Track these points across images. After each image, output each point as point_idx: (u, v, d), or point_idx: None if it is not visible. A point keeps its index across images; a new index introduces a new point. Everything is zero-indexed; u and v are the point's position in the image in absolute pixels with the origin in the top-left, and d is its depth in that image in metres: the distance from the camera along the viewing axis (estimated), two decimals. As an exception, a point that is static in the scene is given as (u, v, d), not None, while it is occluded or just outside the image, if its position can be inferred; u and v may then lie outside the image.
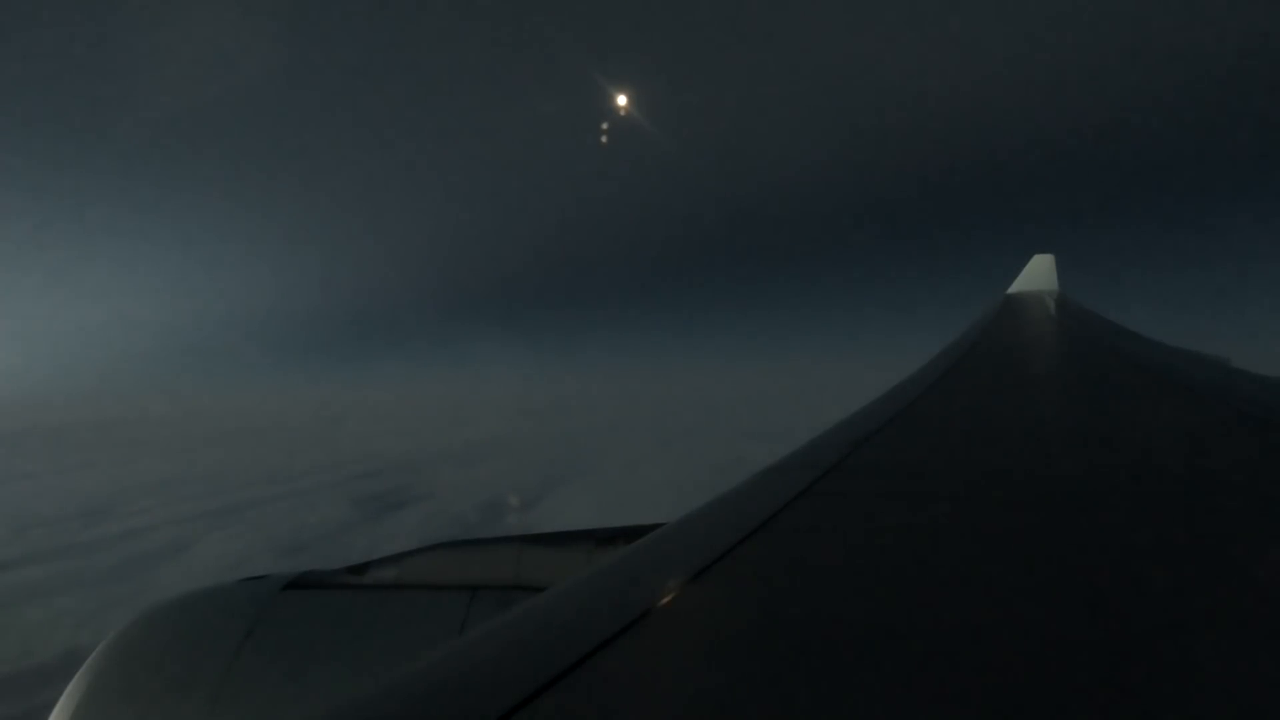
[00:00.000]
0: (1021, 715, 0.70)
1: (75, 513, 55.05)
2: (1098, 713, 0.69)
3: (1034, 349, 6.37)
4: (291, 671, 2.22)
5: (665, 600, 1.06)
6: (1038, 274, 13.59)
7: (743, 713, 0.72)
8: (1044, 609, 0.97)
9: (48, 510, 56.28)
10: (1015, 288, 13.38)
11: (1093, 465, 1.99)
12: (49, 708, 2.19)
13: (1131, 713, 0.70)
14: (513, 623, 1.12)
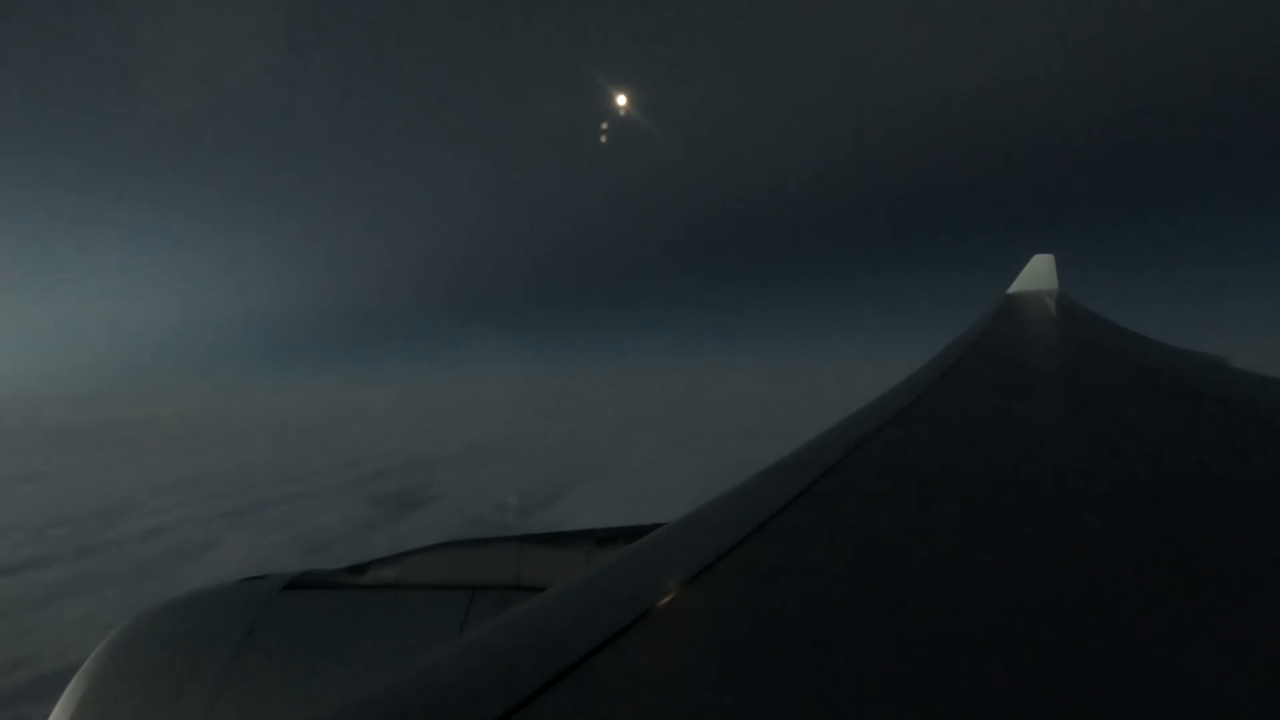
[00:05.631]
0: (1022, 715, 0.69)
1: (93, 512, 54.78)
2: (1098, 713, 0.69)
3: (1034, 349, 6.37)
4: (291, 671, 2.22)
5: (665, 600, 1.05)
6: (1038, 274, 13.58)
7: (743, 713, 0.72)
8: (1044, 609, 0.97)
9: (65, 510, 55.91)
10: (1015, 288, 13.37)
11: (1093, 465, 1.98)
12: None
13: (1132, 713, 0.69)
14: (513, 623, 1.12)
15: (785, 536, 1.38)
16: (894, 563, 1.21)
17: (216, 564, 38.37)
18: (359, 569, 2.55)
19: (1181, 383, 3.75)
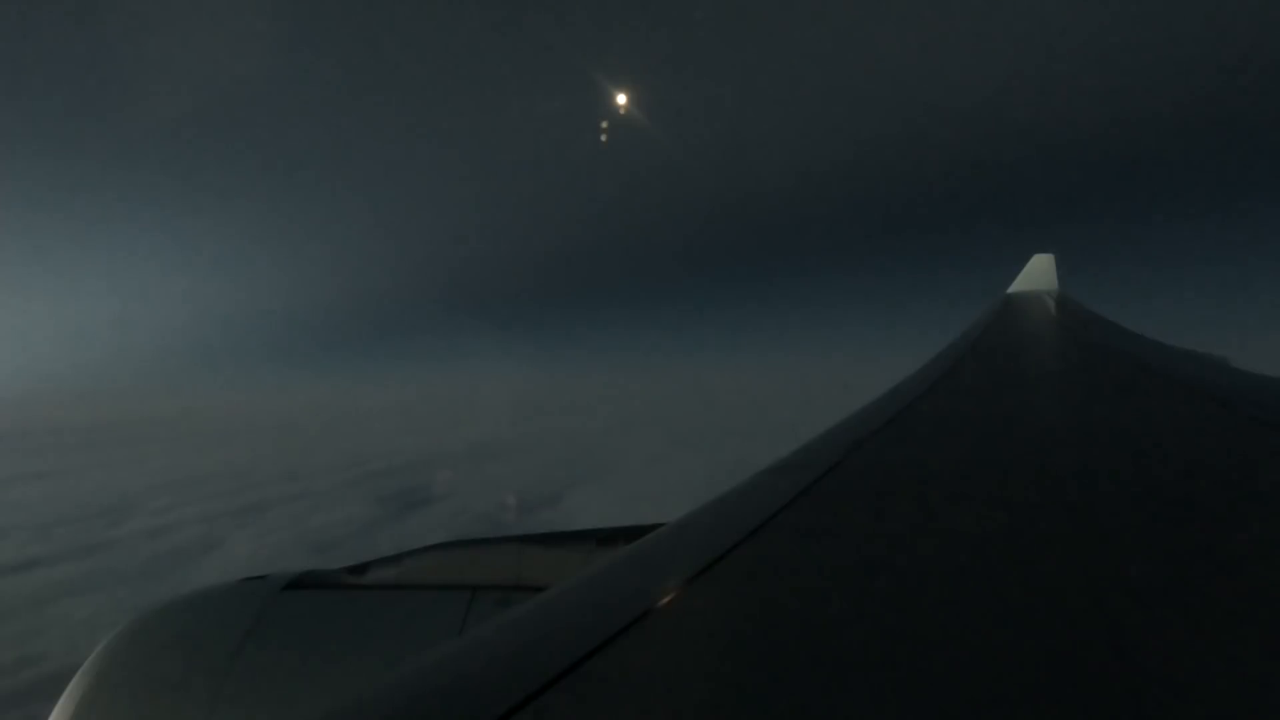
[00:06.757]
0: (1022, 715, 0.70)
1: (97, 511, 54.81)
2: (1098, 713, 0.69)
3: (1034, 349, 6.36)
4: (291, 671, 2.22)
5: (665, 600, 1.05)
6: (1038, 274, 13.58)
7: (743, 713, 0.72)
8: (1044, 609, 0.97)
9: (69, 509, 55.94)
10: (1015, 287, 13.37)
11: (1093, 465, 1.98)
12: None
13: (1132, 713, 0.70)
14: (513, 623, 1.12)
15: (785, 536, 1.38)
16: (894, 563, 1.21)
17: (220, 563, 38.43)
18: (359, 569, 2.55)
19: (1182, 383, 3.74)
